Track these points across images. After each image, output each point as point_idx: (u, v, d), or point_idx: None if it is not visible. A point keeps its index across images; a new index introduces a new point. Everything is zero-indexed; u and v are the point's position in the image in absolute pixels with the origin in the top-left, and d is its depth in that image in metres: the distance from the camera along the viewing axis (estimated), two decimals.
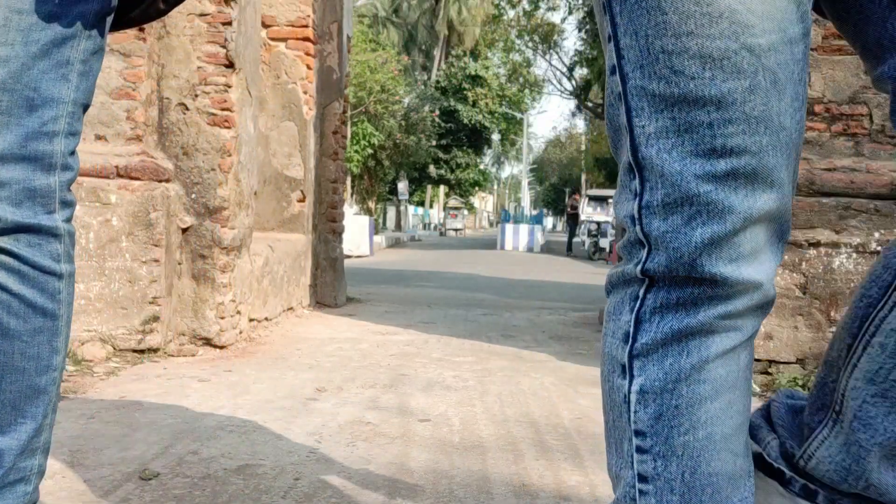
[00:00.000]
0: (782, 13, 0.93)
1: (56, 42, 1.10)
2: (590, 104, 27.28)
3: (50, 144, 1.12)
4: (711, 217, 0.93)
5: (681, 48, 0.92)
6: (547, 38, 26.75)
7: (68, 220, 1.19)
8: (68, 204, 1.18)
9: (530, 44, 27.89)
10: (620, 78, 0.99)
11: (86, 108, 1.19)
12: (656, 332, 0.97)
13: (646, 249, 0.98)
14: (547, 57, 27.78)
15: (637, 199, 0.98)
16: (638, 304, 1.00)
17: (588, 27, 23.16)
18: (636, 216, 0.98)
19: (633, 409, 0.99)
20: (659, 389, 0.97)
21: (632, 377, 0.99)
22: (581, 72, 26.93)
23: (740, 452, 1.00)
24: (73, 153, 1.17)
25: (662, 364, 0.97)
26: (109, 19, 1.18)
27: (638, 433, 0.98)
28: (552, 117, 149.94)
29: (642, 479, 0.98)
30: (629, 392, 0.99)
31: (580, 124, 50.24)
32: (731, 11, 0.91)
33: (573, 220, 23.85)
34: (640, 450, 0.98)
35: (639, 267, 0.99)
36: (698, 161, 0.93)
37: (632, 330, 1.00)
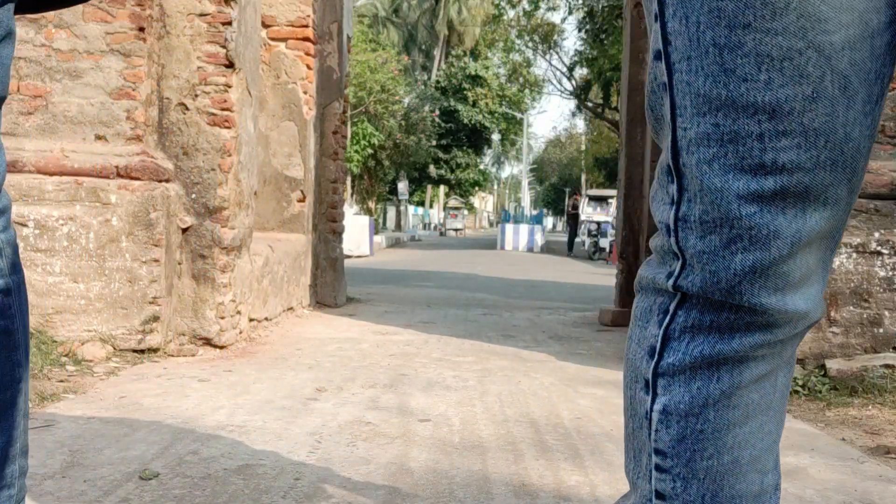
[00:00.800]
0: (866, 1, 0.78)
1: None
2: (590, 104, 27.27)
3: None
4: (754, 243, 0.82)
5: (734, 43, 0.79)
6: (547, 38, 26.75)
7: (5, 227, 1.09)
8: (1, 211, 1.08)
9: (530, 44, 27.89)
10: (666, 67, 0.86)
11: (0, 101, 1.06)
12: (685, 354, 0.89)
13: (680, 262, 0.89)
14: (547, 57, 27.78)
15: (674, 207, 0.87)
16: (667, 320, 0.91)
17: (588, 27, 23.15)
18: (671, 226, 0.88)
19: (654, 427, 0.92)
20: (683, 412, 0.89)
21: (655, 395, 0.91)
22: (581, 72, 26.93)
23: (769, 469, 0.94)
24: None
25: (689, 387, 0.89)
26: (12, 5, 1.06)
27: (658, 452, 0.92)
28: (552, 117, 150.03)
29: (660, 496, 0.93)
30: (651, 410, 0.92)
31: (580, 124, 50.25)
32: (800, 1, 0.76)
33: (574, 220, 23.87)
34: (659, 468, 0.92)
35: (671, 281, 0.90)
36: (742, 178, 0.81)
37: (658, 346, 0.91)
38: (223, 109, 4.12)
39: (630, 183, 6.41)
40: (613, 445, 2.58)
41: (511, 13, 27.32)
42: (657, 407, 0.91)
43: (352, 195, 26.47)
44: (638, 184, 6.26)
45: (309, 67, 6.04)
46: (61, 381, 3.20)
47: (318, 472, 2.19)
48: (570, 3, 23.78)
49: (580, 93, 27.21)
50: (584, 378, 3.78)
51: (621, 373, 3.89)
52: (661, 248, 0.92)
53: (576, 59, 26.19)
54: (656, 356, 0.91)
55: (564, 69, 27.67)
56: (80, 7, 3.86)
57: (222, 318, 4.14)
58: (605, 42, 22.17)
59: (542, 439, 2.63)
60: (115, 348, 3.74)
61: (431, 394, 3.29)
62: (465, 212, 43.49)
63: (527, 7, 25.26)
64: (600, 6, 21.80)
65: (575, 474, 2.26)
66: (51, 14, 3.85)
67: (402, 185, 30.21)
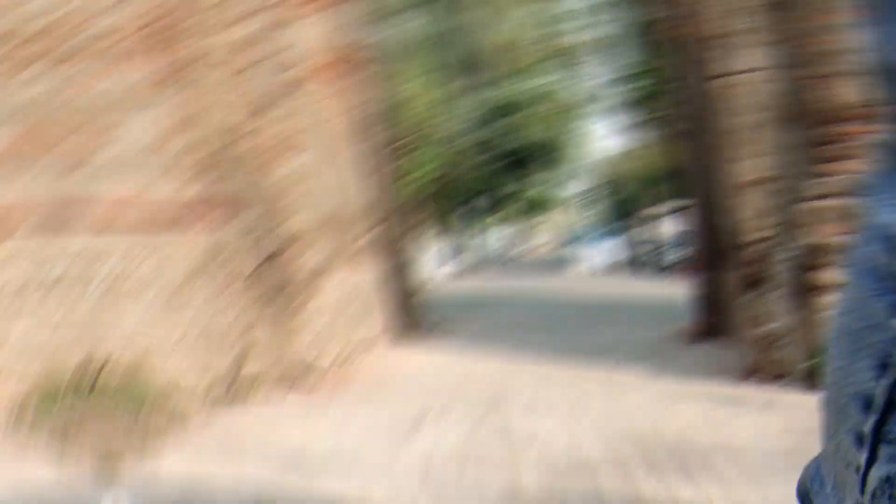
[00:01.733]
0: None
1: None
2: (650, 117, 26.97)
3: None
4: None
5: None
6: (597, 52, 26.64)
7: None
8: None
9: (583, 59, 27.80)
10: None
11: None
12: None
13: None
14: (602, 71, 27.63)
15: None
16: (889, 384, 0.63)
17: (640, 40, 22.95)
18: None
19: (871, 489, 0.67)
20: None
21: (873, 458, 0.66)
22: (638, 84, 26.67)
23: None
24: None
25: None
26: None
27: None
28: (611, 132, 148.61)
29: None
30: (867, 470, 0.67)
31: (639, 138, 49.61)
32: None
33: (647, 234, 23.52)
34: None
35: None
36: None
37: (882, 404, 0.64)
38: (287, 142, 4.18)
39: (705, 193, 6.29)
40: (721, 459, 2.53)
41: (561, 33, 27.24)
42: (878, 473, 0.66)
43: (422, 223, 26.68)
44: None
45: (351, 96, 6.08)
46: (161, 421, 3.29)
47: (431, 500, 2.20)
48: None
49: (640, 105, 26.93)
50: (680, 393, 3.71)
51: (716, 387, 3.82)
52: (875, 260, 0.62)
53: (632, 70, 25.98)
54: (878, 413, 0.64)
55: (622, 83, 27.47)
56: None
57: (312, 348, 4.19)
58: (656, 54, 21.92)
59: (649, 455, 2.59)
60: (209, 385, 3.82)
61: (532, 416, 3.28)
62: (537, 232, 43.36)
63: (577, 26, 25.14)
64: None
65: (688, 489, 2.22)
66: (116, 51, 3.96)
67: (471, 211, 30.29)
